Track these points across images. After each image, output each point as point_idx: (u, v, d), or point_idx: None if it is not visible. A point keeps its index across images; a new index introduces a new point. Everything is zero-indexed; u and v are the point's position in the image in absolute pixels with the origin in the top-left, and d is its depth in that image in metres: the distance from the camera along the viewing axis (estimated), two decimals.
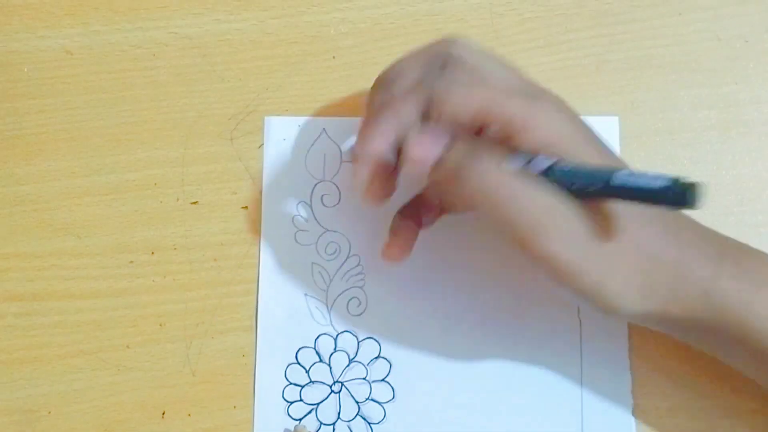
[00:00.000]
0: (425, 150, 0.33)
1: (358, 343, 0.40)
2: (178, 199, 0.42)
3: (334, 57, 0.43)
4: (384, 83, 0.36)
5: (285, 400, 0.40)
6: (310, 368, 0.40)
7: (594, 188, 0.31)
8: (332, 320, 0.41)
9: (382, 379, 0.40)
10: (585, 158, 0.32)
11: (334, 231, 0.41)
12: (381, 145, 0.34)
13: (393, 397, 0.40)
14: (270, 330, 0.41)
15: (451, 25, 0.43)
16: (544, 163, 0.31)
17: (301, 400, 0.40)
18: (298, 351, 0.40)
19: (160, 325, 0.41)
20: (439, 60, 0.34)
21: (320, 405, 0.40)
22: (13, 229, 0.42)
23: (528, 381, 0.39)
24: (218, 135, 0.42)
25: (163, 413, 0.40)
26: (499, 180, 0.31)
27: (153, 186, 0.42)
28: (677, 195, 0.28)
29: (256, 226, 0.42)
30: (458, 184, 0.32)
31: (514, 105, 0.32)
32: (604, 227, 0.32)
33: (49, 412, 0.40)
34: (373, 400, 0.40)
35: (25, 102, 0.43)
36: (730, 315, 0.32)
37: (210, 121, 0.43)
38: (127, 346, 0.41)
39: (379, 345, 0.40)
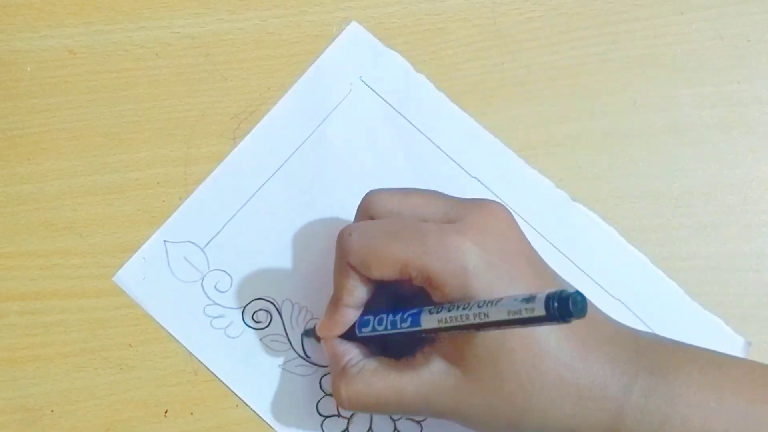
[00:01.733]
0: (326, 333, 0.36)
1: None
2: (180, 198, 0.42)
3: None
4: None
5: (320, 414, 0.40)
6: None
7: (465, 326, 0.30)
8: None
9: None
10: (496, 286, 0.31)
11: None
12: (335, 335, 0.36)
13: None
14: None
15: (454, 24, 0.43)
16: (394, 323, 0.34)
17: (338, 414, 0.40)
18: None
19: None
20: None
21: (352, 419, 0.40)
22: (16, 228, 0.42)
23: None
24: (221, 134, 0.42)
25: (166, 412, 0.40)
26: (362, 392, 0.34)
27: (156, 185, 0.42)
28: (558, 311, 0.26)
29: None
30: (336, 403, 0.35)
31: (427, 259, 0.32)
32: (477, 368, 0.32)
33: (52, 411, 0.40)
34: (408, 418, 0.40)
35: (28, 101, 0.43)
36: None
37: (212, 121, 0.43)
38: (130, 345, 0.41)
39: None
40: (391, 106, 0.42)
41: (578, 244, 0.41)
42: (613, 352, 0.32)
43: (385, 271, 0.33)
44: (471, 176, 0.41)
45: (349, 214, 0.37)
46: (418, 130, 0.42)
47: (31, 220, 0.42)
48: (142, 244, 0.41)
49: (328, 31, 0.43)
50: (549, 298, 0.26)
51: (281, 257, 0.40)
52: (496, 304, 0.28)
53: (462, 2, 0.43)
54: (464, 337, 0.32)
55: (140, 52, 0.43)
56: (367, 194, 0.35)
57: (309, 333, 0.40)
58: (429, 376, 0.33)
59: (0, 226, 0.42)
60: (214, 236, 0.41)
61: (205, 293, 0.40)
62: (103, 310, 0.41)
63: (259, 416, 0.40)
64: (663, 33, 0.43)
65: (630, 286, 0.40)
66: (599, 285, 0.40)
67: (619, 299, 0.40)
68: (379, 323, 0.34)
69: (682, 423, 0.31)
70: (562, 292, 0.25)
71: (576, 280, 0.39)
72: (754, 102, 0.42)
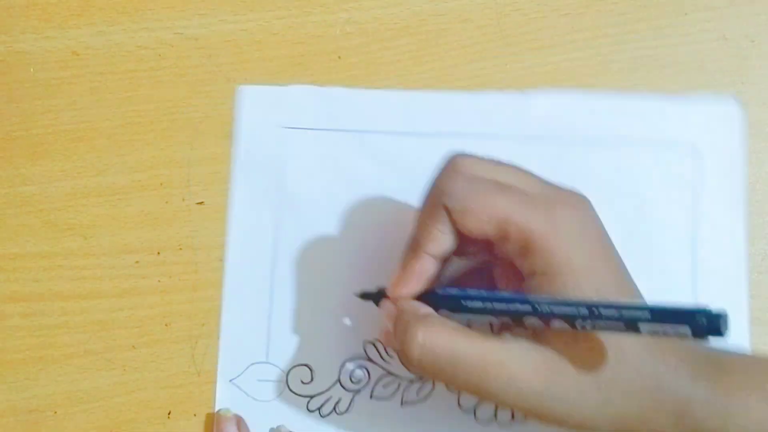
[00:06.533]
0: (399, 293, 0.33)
1: None
2: (183, 200, 0.42)
3: (339, 57, 0.43)
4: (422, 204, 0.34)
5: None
6: None
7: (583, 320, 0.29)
8: None
9: None
10: (593, 282, 0.31)
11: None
12: (411, 291, 0.33)
13: None
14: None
15: (457, 26, 0.43)
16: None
17: None
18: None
19: (166, 325, 0.41)
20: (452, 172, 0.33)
21: None
22: (19, 230, 0.42)
23: None
24: (224, 136, 0.42)
25: (169, 413, 0.40)
26: (447, 345, 0.31)
27: (159, 186, 0.42)
28: (707, 326, 0.26)
29: None
30: (404, 356, 0.32)
31: (533, 219, 0.31)
32: (568, 362, 0.31)
33: (55, 413, 0.40)
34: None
35: (31, 103, 0.43)
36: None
37: (216, 122, 0.43)
38: (133, 347, 0.41)
39: None
40: (328, 129, 0.42)
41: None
42: (674, 354, 0.32)
43: (483, 224, 0.31)
44: (432, 135, 0.41)
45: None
46: (362, 131, 0.42)
47: (34, 221, 0.42)
48: (144, 245, 0.41)
49: (331, 32, 0.43)
50: (698, 314, 0.26)
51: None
52: (637, 315, 0.28)
53: (465, 3, 0.43)
54: None
55: (143, 53, 0.43)
56: (453, 157, 0.33)
57: (368, 295, 0.36)
58: (518, 350, 0.31)
59: (3, 227, 0.42)
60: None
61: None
62: (106, 312, 0.41)
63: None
64: (667, 34, 0.42)
65: None
66: None
67: None
68: (482, 298, 0.32)
69: (744, 411, 0.31)
70: (711, 311, 0.26)
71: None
72: (758, 103, 0.42)
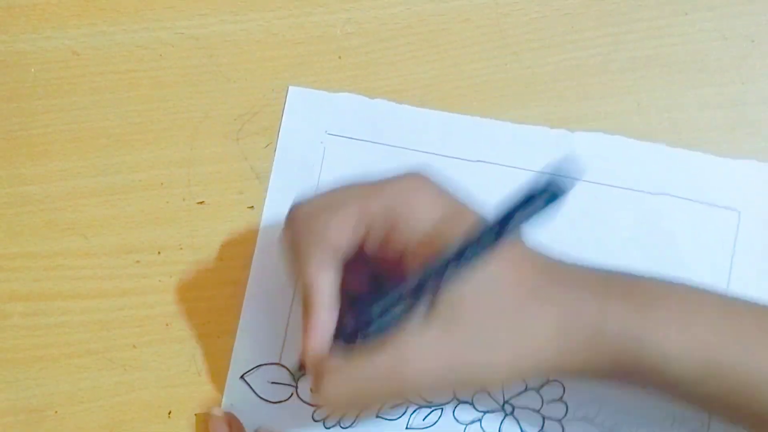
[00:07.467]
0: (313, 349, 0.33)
1: None
2: (184, 200, 0.42)
3: (339, 57, 0.43)
4: None
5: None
6: None
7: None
8: None
9: None
10: (453, 223, 0.32)
11: None
12: (324, 346, 0.33)
13: None
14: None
15: (457, 25, 0.43)
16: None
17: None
18: None
19: (167, 324, 0.41)
20: None
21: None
22: (20, 229, 0.42)
23: None
24: (224, 135, 0.42)
25: (170, 413, 0.40)
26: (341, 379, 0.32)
27: (159, 186, 0.42)
28: (551, 192, 0.30)
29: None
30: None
31: (376, 203, 0.32)
32: (447, 319, 0.31)
33: (56, 412, 0.40)
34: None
35: (32, 102, 0.43)
36: (624, 356, 0.31)
37: (216, 122, 0.43)
38: (134, 346, 0.41)
39: None
40: (369, 141, 0.42)
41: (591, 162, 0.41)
42: (580, 278, 0.33)
43: (345, 228, 0.32)
44: (473, 161, 0.41)
45: None
46: (403, 147, 0.41)
47: (35, 221, 0.42)
48: (145, 245, 0.41)
49: (331, 32, 0.43)
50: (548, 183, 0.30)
51: None
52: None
53: (465, 3, 0.43)
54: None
55: (143, 53, 0.43)
56: (291, 209, 0.34)
57: (300, 368, 0.38)
58: (395, 338, 0.31)
59: (3, 227, 0.42)
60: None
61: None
62: (106, 311, 0.41)
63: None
64: (667, 34, 0.43)
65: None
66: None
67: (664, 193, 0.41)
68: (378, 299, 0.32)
69: (660, 342, 0.31)
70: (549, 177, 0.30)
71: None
72: (759, 102, 0.42)
